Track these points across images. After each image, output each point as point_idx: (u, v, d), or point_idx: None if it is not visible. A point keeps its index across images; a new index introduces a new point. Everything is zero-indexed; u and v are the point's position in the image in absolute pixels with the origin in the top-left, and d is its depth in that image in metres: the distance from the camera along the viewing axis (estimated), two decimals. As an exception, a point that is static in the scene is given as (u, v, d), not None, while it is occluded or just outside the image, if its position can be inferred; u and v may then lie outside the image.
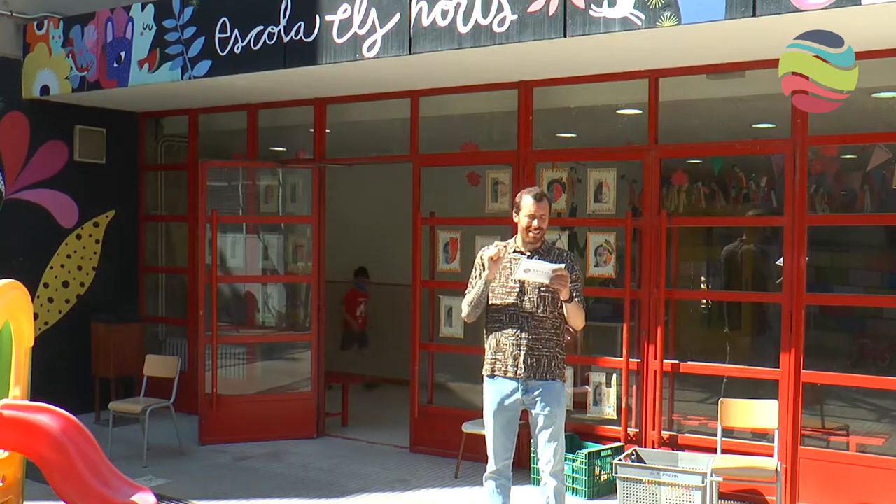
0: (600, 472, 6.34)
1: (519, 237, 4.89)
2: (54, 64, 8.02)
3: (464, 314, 4.97)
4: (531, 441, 5.56)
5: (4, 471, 3.88)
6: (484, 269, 4.85)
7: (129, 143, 9.31)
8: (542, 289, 4.75)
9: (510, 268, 4.82)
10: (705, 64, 6.23)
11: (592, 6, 5.41)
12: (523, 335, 4.77)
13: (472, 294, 4.90)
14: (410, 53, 6.10)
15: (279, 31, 6.67)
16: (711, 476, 5.58)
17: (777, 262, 6.23)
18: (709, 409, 6.93)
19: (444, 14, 5.93)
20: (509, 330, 4.80)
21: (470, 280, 5.00)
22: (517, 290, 4.79)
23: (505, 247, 4.80)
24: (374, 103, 7.87)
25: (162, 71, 7.32)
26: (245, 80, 7.20)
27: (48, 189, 8.53)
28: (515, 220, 4.90)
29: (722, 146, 6.87)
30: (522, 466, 6.48)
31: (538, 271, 4.61)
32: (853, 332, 8.73)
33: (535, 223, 4.80)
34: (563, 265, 4.67)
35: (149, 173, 9.52)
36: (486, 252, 4.80)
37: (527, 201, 4.83)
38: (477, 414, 6.50)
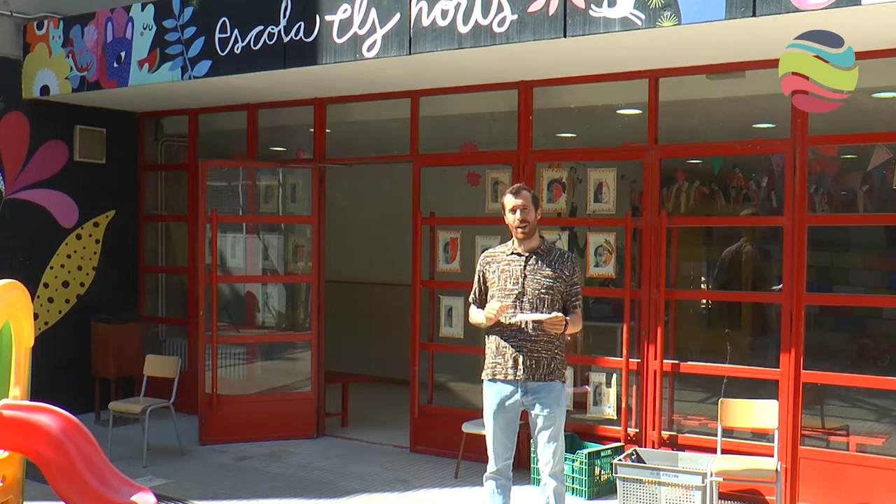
0: (600, 472, 6.34)
1: (514, 239, 4.90)
2: (54, 64, 8.03)
3: (470, 322, 5.13)
4: (531, 441, 5.56)
5: (4, 471, 3.88)
6: (483, 283, 4.95)
7: (129, 143, 9.31)
8: (541, 290, 4.76)
9: (508, 270, 4.82)
10: (705, 64, 6.23)
11: (592, 6, 5.41)
12: (522, 337, 4.77)
13: (475, 319, 5.02)
14: (410, 53, 6.10)
15: (279, 31, 6.67)
16: (711, 476, 5.58)
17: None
18: (709, 409, 6.93)
19: (444, 14, 5.93)
20: (508, 332, 4.80)
21: (472, 291, 5.05)
22: (516, 292, 4.79)
23: (503, 307, 4.77)
24: (374, 103, 7.87)
25: (162, 71, 7.32)
26: (245, 80, 7.21)
27: (48, 189, 8.53)
28: (506, 221, 4.91)
29: (722, 146, 6.87)
30: (522, 466, 6.48)
31: (533, 318, 4.70)
32: (853, 332, 8.73)
33: (518, 214, 4.81)
34: (556, 313, 4.68)
35: (149, 173, 9.52)
36: (489, 310, 4.78)
37: (507, 198, 4.89)
38: (477, 414, 6.50)
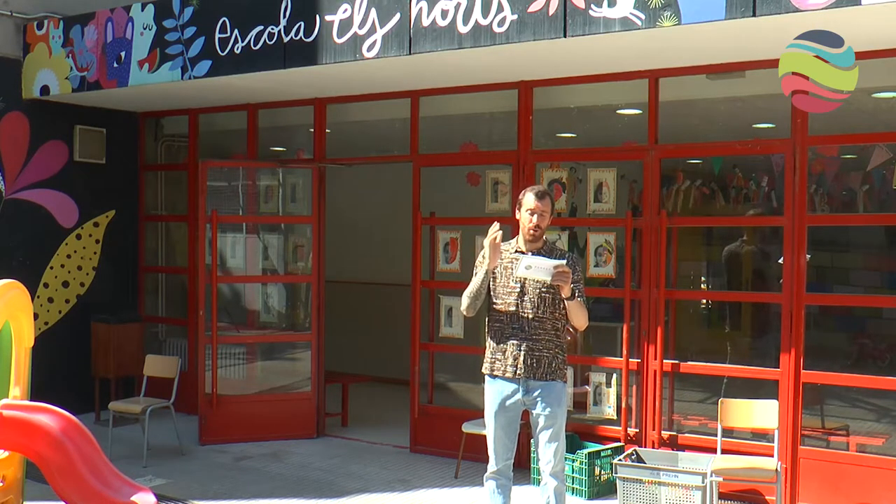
0: (600, 472, 6.34)
1: (520, 236, 4.90)
2: (54, 64, 8.03)
3: (463, 307, 4.94)
4: (531, 441, 5.56)
5: (4, 471, 3.88)
6: (484, 260, 4.84)
7: (129, 143, 9.31)
8: (542, 289, 4.76)
9: (511, 268, 4.81)
10: (705, 64, 6.23)
11: (592, 6, 5.41)
12: (523, 335, 4.77)
13: (471, 285, 4.89)
14: (410, 53, 6.10)
15: (279, 31, 6.67)
16: (711, 476, 5.58)
17: (779, 261, 6.24)
18: (709, 409, 6.93)
19: (444, 14, 5.93)
20: (509, 330, 4.80)
21: (475, 266, 5.00)
22: (518, 290, 4.79)
23: (500, 231, 4.74)
24: (374, 103, 7.87)
25: (162, 71, 7.32)
26: (245, 80, 7.21)
27: (48, 189, 8.53)
28: (517, 217, 4.91)
29: (722, 146, 6.88)
30: (523, 466, 6.48)
31: (539, 268, 4.60)
32: (853, 332, 8.72)
33: (534, 219, 4.79)
34: (564, 261, 4.67)
35: (149, 173, 9.52)
36: (486, 239, 4.76)
37: (528, 197, 4.84)
38: (477, 414, 6.51)
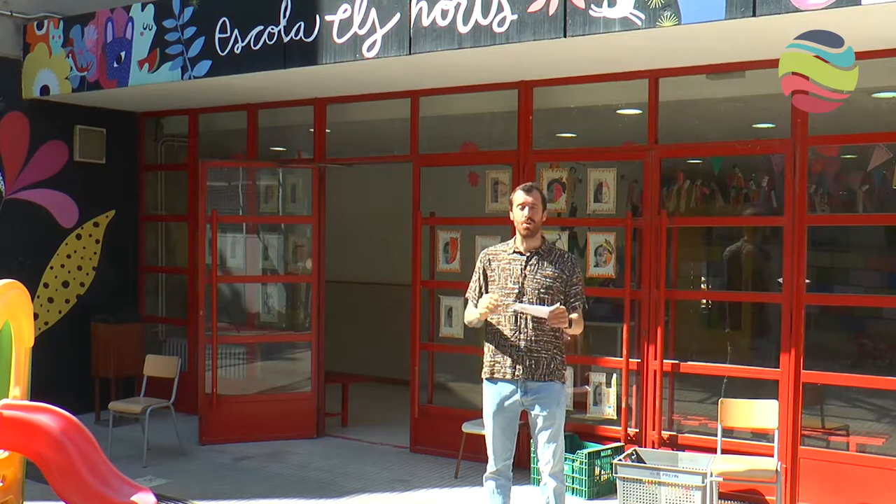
0: (600, 472, 6.34)
1: (518, 237, 4.90)
2: (54, 64, 8.03)
3: (465, 322, 5.06)
4: (531, 441, 5.56)
5: (4, 471, 3.88)
6: (483, 279, 4.91)
7: (129, 143, 9.31)
8: (541, 291, 4.76)
9: (509, 269, 4.82)
10: (705, 64, 6.23)
11: (592, 6, 5.41)
12: (522, 337, 4.77)
13: (470, 316, 4.98)
14: (410, 53, 6.10)
15: (279, 31, 6.67)
16: (711, 476, 5.58)
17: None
18: (709, 409, 6.93)
19: (444, 14, 5.93)
20: (508, 332, 4.80)
21: (470, 286, 5.03)
22: (516, 291, 4.79)
23: (497, 299, 4.74)
24: (374, 103, 7.87)
25: (162, 71, 7.32)
26: (245, 80, 7.21)
27: (48, 189, 8.53)
28: (511, 218, 4.91)
29: (722, 146, 6.88)
30: (522, 466, 6.48)
31: (534, 310, 4.66)
32: (853, 332, 8.72)
33: (526, 212, 4.80)
34: (558, 305, 4.65)
35: (149, 173, 9.52)
36: (482, 304, 4.75)
37: (517, 194, 4.88)
38: (477, 414, 6.49)
